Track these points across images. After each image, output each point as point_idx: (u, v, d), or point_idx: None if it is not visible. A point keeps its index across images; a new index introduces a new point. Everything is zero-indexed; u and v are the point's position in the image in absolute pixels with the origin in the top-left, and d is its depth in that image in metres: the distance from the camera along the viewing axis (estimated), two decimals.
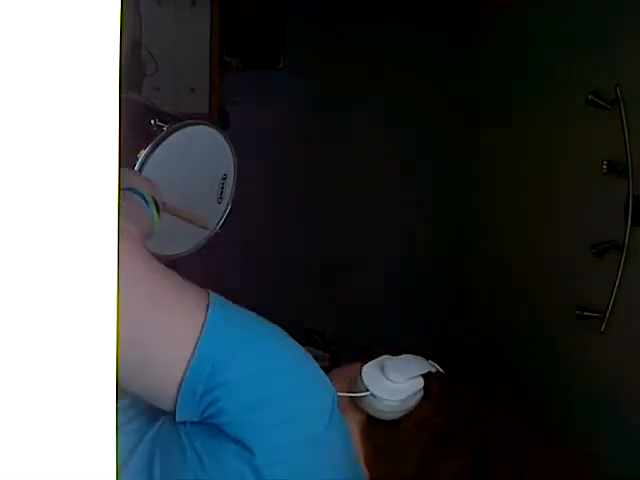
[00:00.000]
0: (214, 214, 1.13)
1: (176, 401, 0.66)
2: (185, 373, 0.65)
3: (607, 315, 1.41)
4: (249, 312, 0.73)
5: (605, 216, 1.47)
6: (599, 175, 1.44)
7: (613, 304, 1.40)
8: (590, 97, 1.45)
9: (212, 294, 0.70)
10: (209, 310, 0.67)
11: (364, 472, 0.78)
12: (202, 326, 0.66)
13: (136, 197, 0.84)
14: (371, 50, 2.25)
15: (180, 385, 0.65)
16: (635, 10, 1.38)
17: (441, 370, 0.83)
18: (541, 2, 1.75)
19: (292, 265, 2.24)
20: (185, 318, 0.67)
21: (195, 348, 0.65)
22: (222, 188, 1.11)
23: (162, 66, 1.69)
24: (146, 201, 0.84)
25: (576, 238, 1.56)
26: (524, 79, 1.83)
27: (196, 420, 0.67)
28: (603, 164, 1.42)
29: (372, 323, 2.11)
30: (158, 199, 0.88)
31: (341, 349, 1.99)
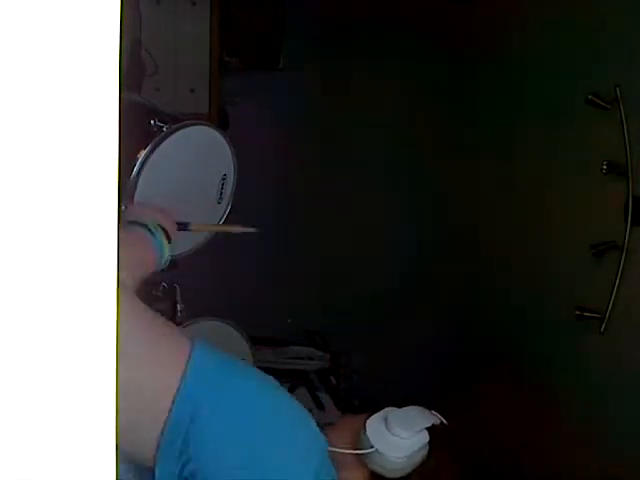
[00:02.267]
0: (214, 214, 1.13)
1: (155, 455, 0.64)
2: (165, 425, 0.63)
3: (607, 315, 1.40)
4: (235, 362, 0.71)
5: (605, 216, 1.47)
6: (599, 175, 1.44)
7: (613, 304, 1.40)
8: (590, 97, 1.45)
9: (196, 345, 0.68)
10: (189, 362, 0.65)
11: None
12: (181, 379, 0.64)
13: (141, 229, 0.82)
14: (371, 50, 2.25)
15: (159, 438, 0.63)
16: (635, 10, 1.38)
17: (444, 421, 0.80)
18: (541, 3, 1.75)
19: (292, 265, 2.24)
20: (165, 369, 0.66)
21: (173, 402, 0.64)
22: (222, 188, 1.11)
23: (162, 66, 1.69)
24: (151, 232, 0.82)
25: (576, 238, 1.56)
26: (524, 79, 1.83)
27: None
28: (603, 164, 1.42)
29: (372, 324, 2.11)
30: (167, 223, 0.86)
31: (341, 349, 1.99)
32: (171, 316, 1.18)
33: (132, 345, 0.65)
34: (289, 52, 2.17)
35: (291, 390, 1.58)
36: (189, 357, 0.66)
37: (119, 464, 0.33)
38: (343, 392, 1.76)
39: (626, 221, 1.38)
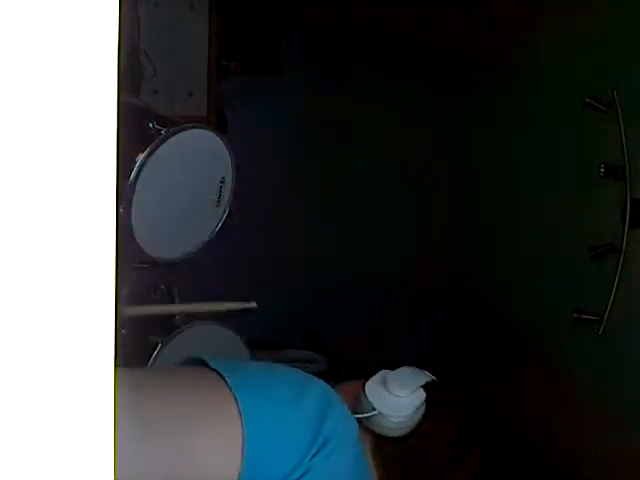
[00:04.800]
0: (212, 217, 1.13)
1: None
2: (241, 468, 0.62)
3: (605, 318, 1.41)
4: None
5: (603, 219, 1.47)
6: (597, 178, 1.45)
7: (611, 307, 1.40)
8: (588, 100, 1.46)
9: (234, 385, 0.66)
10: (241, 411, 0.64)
11: None
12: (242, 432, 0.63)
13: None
14: (371, 54, 2.25)
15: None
16: (633, 13, 1.39)
17: (435, 379, 0.83)
18: (540, 8, 1.76)
19: (291, 268, 2.24)
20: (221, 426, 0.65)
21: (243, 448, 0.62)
22: (220, 191, 1.12)
23: (160, 70, 1.70)
24: None
25: (574, 241, 1.57)
26: (522, 83, 1.84)
27: None
28: (601, 167, 1.42)
29: (372, 325, 2.11)
30: None
31: (340, 352, 1.99)
32: (169, 319, 1.18)
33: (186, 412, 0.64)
34: (288, 56, 2.17)
35: None
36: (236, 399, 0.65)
37: None
38: None
39: (624, 224, 1.38)
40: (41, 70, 0.30)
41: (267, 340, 1.88)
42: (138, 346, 1.07)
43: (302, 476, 0.64)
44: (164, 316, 1.16)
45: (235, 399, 0.65)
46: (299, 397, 0.70)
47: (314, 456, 0.64)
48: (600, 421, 1.44)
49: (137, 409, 0.57)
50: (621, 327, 1.40)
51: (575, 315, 1.50)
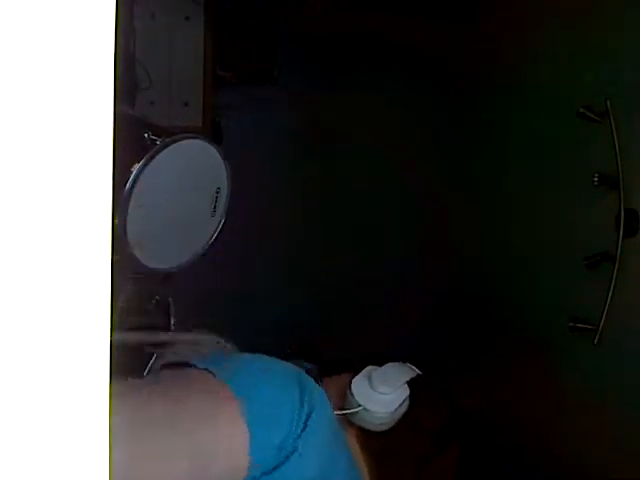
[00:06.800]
0: (208, 227, 1.13)
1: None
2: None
3: (600, 327, 1.41)
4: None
5: (597, 228, 1.48)
6: (590, 187, 1.45)
7: (606, 316, 1.40)
8: (581, 110, 1.47)
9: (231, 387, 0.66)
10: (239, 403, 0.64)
11: None
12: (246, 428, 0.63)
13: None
14: (369, 63, 2.26)
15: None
16: (627, 24, 1.40)
17: (419, 372, 0.85)
18: (537, 18, 1.77)
19: (290, 280, 2.24)
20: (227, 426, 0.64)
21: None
22: (216, 201, 1.12)
23: (156, 80, 1.70)
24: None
25: (568, 250, 1.57)
26: (517, 93, 1.85)
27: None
28: (594, 177, 1.43)
29: (372, 325, 2.11)
30: None
31: (335, 360, 1.98)
32: (164, 329, 1.18)
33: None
34: (284, 66, 2.18)
35: None
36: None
37: None
38: None
39: (618, 233, 1.39)
40: (38, 81, 0.31)
41: (264, 351, 1.88)
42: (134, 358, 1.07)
43: (291, 454, 0.64)
44: (160, 326, 1.16)
45: (228, 385, 0.65)
46: (282, 372, 0.71)
47: (301, 433, 0.64)
48: (597, 427, 1.44)
49: (137, 415, 0.57)
50: (616, 336, 1.40)
51: (570, 324, 1.50)
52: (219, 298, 1.99)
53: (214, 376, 0.66)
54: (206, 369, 0.66)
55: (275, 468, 0.63)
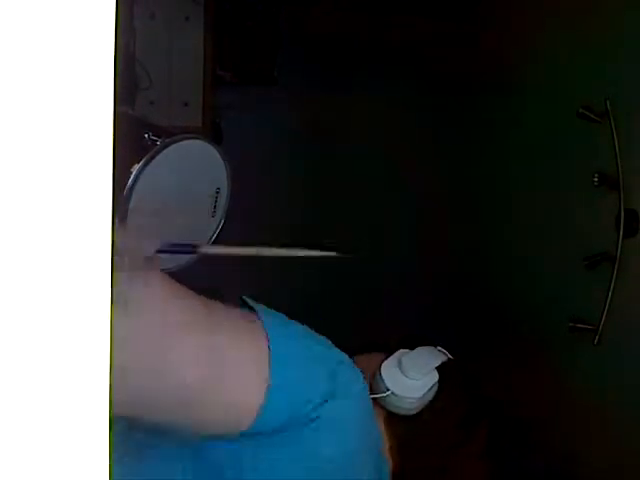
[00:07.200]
0: (207, 228, 1.13)
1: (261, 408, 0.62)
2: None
3: (600, 327, 1.41)
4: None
5: (597, 228, 1.48)
6: (590, 188, 1.45)
7: (606, 316, 1.40)
8: (581, 110, 1.47)
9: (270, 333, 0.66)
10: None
11: (388, 463, 0.79)
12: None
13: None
14: (369, 63, 2.26)
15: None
16: (627, 24, 1.40)
17: (450, 357, 0.84)
18: (537, 19, 1.77)
19: (290, 280, 2.24)
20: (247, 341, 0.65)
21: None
22: (216, 201, 1.11)
23: (156, 80, 1.70)
24: None
25: (568, 250, 1.57)
26: (517, 93, 1.85)
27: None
28: (594, 177, 1.43)
29: (371, 325, 2.11)
30: None
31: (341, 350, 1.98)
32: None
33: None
34: (284, 66, 2.18)
35: None
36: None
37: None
38: None
39: (618, 233, 1.39)
40: (38, 81, 0.31)
41: None
42: None
43: (312, 421, 0.64)
44: None
45: (262, 322, 0.67)
46: (322, 340, 0.73)
47: (326, 401, 0.64)
48: (597, 427, 1.43)
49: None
50: (616, 336, 1.40)
51: (571, 324, 1.50)
52: (219, 298, 1.99)
53: (259, 318, 0.66)
54: (252, 309, 0.67)
55: (285, 431, 0.63)
